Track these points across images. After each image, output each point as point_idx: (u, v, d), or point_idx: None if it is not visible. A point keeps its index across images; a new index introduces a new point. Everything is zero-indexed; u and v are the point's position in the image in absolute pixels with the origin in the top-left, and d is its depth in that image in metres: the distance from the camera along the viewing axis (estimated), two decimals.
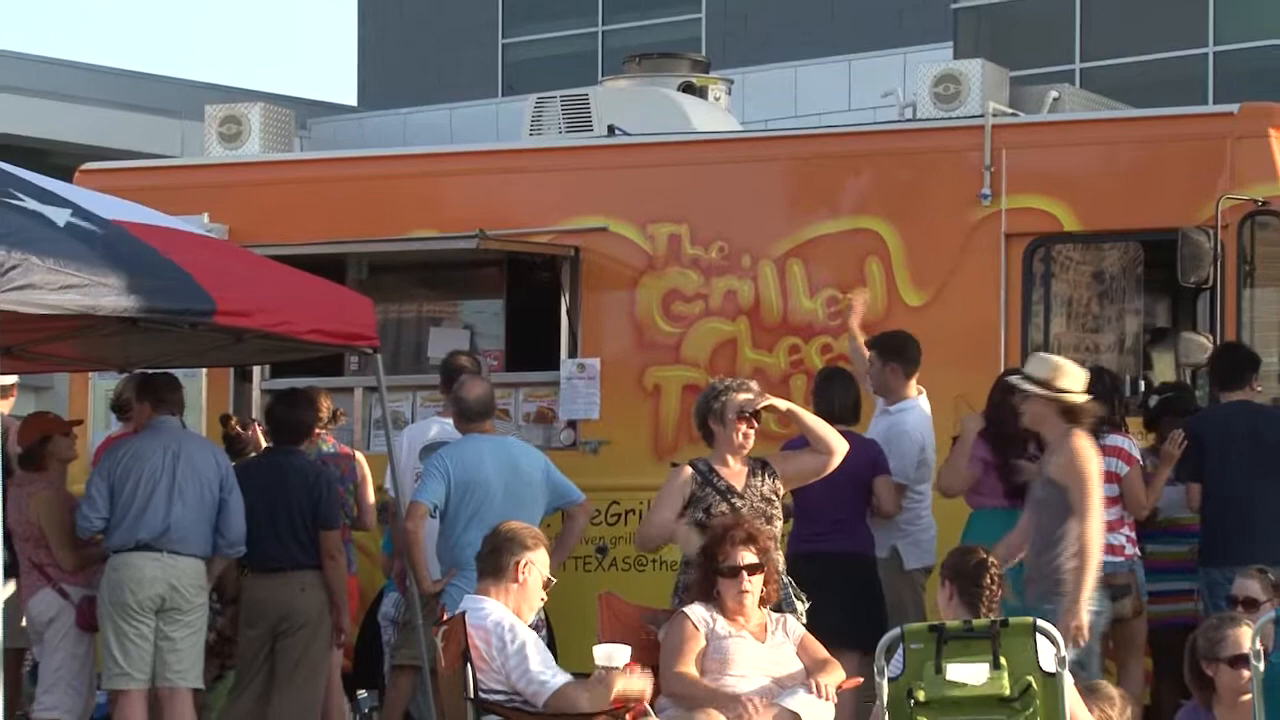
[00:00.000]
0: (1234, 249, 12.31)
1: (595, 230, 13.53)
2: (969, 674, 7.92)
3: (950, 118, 13.90)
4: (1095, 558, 9.51)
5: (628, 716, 8.36)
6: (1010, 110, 14.14)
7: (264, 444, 12.68)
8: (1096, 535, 9.54)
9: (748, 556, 8.88)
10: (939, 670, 7.97)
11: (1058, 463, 9.77)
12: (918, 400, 11.73)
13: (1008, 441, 11.20)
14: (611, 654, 8.13)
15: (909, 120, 14.53)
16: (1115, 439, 11.14)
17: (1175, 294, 13.36)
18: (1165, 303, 13.85)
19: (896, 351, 11.57)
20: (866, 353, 11.65)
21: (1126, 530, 11.18)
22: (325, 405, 12.06)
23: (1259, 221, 12.29)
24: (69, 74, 37.54)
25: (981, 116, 13.17)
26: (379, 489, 12.35)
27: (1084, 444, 9.58)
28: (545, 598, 8.88)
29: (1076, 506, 9.57)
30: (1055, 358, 10.49)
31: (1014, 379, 10.13)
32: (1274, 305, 13.19)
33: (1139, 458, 11.34)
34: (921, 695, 7.95)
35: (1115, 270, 13.38)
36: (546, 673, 8.21)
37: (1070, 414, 9.81)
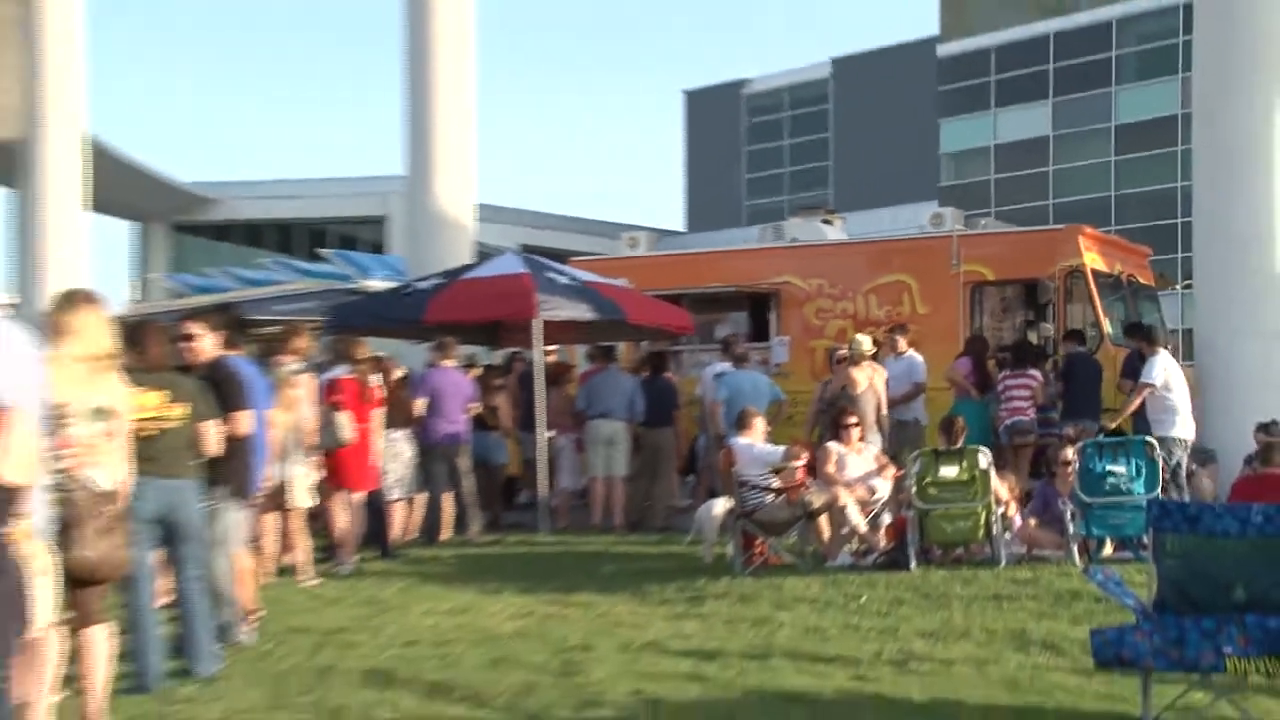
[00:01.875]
0: (1063, 287, 20.28)
1: (786, 282, 21.99)
2: (948, 471, 13.80)
3: (938, 232, 22.15)
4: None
5: (800, 485, 14.43)
6: (964, 229, 22.27)
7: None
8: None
9: (851, 419, 15.33)
10: (936, 469, 13.85)
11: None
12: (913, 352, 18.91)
13: (978, 365, 18.90)
14: (794, 454, 14.64)
15: (922, 231, 23.14)
16: (1032, 370, 18.32)
17: (1037, 307, 21.26)
18: (1032, 311, 21.52)
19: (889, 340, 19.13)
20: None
21: (1033, 410, 18.03)
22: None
23: (1072, 274, 20.16)
24: (555, 219, 52.71)
25: (950, 231, 21.79)
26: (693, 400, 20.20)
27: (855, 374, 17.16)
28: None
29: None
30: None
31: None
32: (1079, 310, 20.42)
33: (1040, 379, 18.26)
34: (928, 480, 13.77)
35: (1010, 297, 21.66)
36: (771, 456, 14.76)
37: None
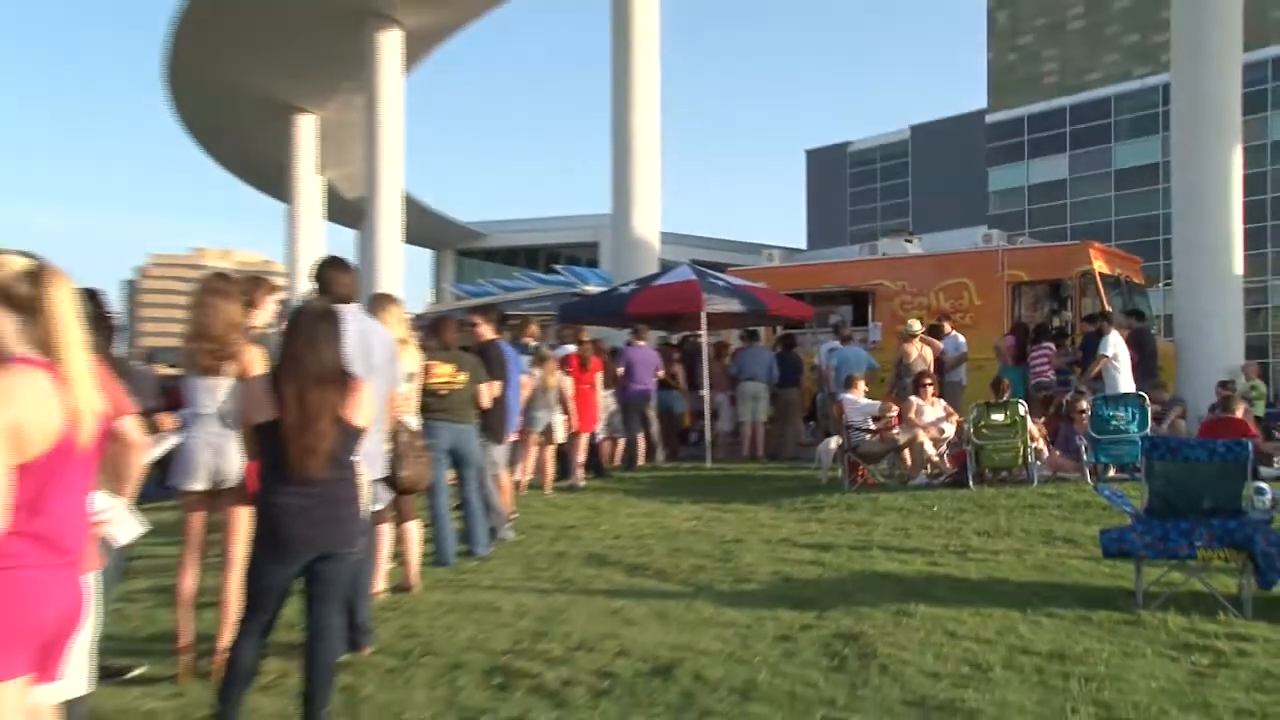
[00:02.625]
0: (1078, 286, 19.89)
1: (879, 284, 21.58)
2: (996, 417, 13.59)
3: (988, 247, 21.59)
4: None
5: (890, 427, 14.68)
6: (1007, 245, 21.83)
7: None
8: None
9: (927, 381, 15.25)
10: (988, 415, 13.64)
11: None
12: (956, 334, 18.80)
13: (1020, 342, 18.39)
14: (886, 407, 14.96)
15: (976, 247, 22.19)
16: (1048, 344, 17.90)
17: (1060, 300, 20.86)
18: (1056, 303, 20.99)
19: (935, 330, 18.57)
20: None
21: (1052, 372, 17.55)
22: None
23: (1085, 276, 19.61)
24: (715, 241, 52.26)
25: (997, 246, 21.44)
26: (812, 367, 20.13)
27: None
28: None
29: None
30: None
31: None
32: (1090, 302, 19.78)
33: (1054, 350, 17.80)
34: (981, 423, 13.58)
35: (1040, 293, 21.07)
36: (869, 408, 15.19)
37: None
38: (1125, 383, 15.71)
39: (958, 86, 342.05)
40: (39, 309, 3.18)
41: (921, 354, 17.45)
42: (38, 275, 3.21)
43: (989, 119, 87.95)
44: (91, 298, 5.95)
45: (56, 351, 3.18)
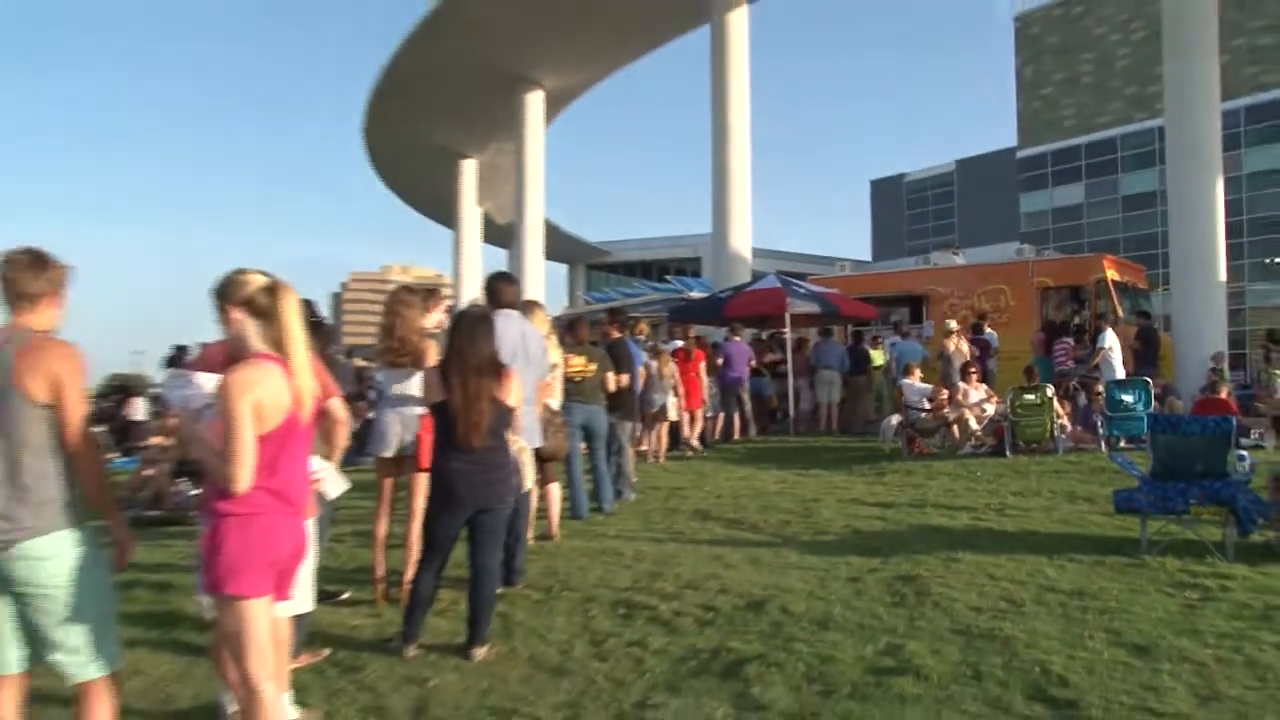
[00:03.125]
0: (1094, 291, 19.63)
1: (932, 289, 21.10)
2: (1028, 398, 13.40)
3: (1021, 259, 21.28)
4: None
5: (941, 407, 14.49)
6: (1036, 257, 21.60)
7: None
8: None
9: (972, 369, 14.83)
10: (1021, 397, 13.47)
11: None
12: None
13: (1049, 337, 18.10)
14: (938, 391, 14.97)
15: (1011, 259, 21.81)
16: (1067, 339, 17.74)
17: (1079, 302, 20.19)
18: (1076, 304, 20.30)
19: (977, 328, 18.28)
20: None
21: (1071, 361, 17.12)
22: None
23: (1100, 283, 19.52)
24: (796, 255, 49.66)
25: (1028, 259, 21.15)
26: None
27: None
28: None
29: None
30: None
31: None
32: (1104, 304, 19.25)
33: (1072, 344, 17.54)
34: (1016, 404, 13.40)
35: (1064, 296, 20.36)
36: (925, 391, 14.81)
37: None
38: (1119, 369, 15.68)
39: (993, 128, 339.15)
40: (273, 315, 3.33)
41: (959, 346, 17.26)
42: (273, 289, 3.36)
43: (1019, 154, 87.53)
44: (308, 306, 6.09)
45: (285, 348, 3.32)
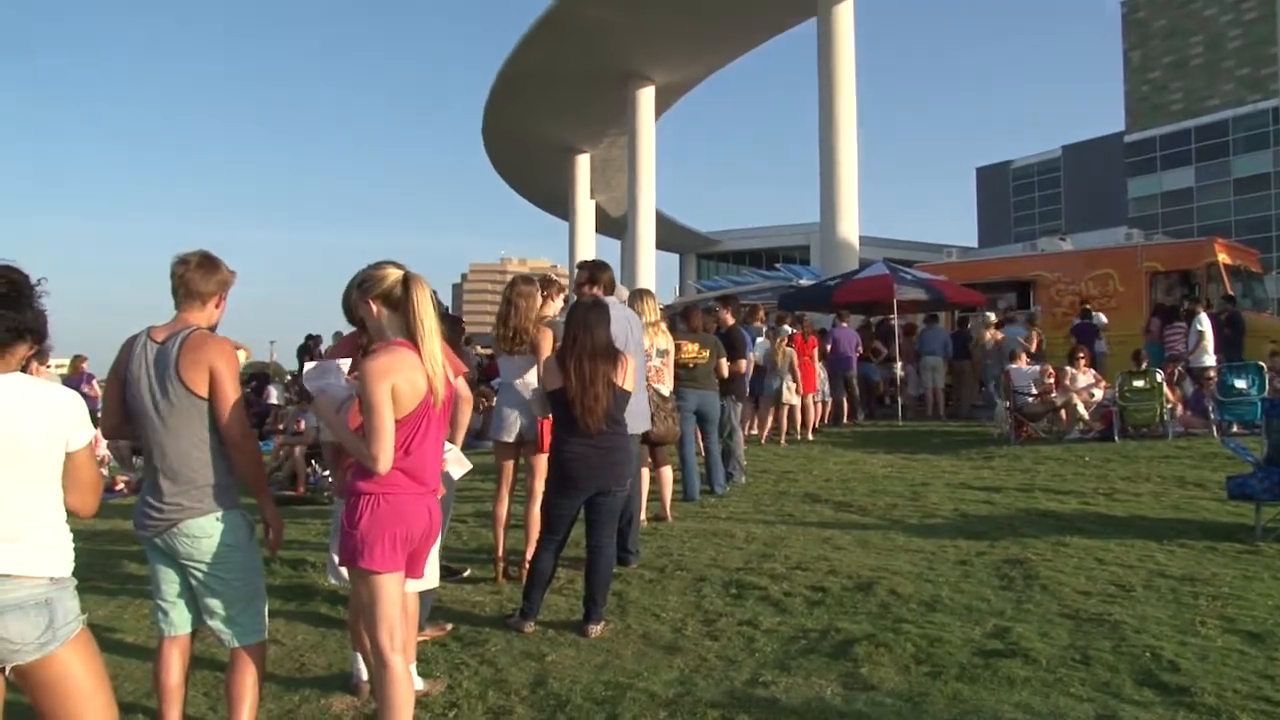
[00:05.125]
0: (1205, 275, 18.80)
1: (1039, 275, 20.51)
2: (1138, 383, 13.08)
3: (1130, 244, 20.78)
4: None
5: (1048, 391, 14.67)
6: (1145, 241, 21.09)
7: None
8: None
9: (1080, 353, 14.42)
10: (1131, 382, 13.13)
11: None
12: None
13: (1162, 322, 16.68)
14: (1046, 374, 16.40)
15: (1119, 244, 21.32)
16: (1180, 324, 16.02)
17: (1190, 286, 18.84)
18: (1186, 289, 18.89)
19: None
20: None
21: (1182, 345, 15.63)
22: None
23: (1210, 267, 18.80)
24: (903, 243, 48.45)
25: (1137, 243, 20.63)
26: None
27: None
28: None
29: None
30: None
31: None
32: (1215, 288, 18.41)
33: (1184, 328, 15.79)
34: (1126, 388, 13.04)
35: (1173, 280, 19.37)
36: (1032, 375, 16.50)
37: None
38: (1210, 358, 15.03)
39: (1096, 114, 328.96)
40: (407, 306, 3.42)
41: (994, 336, 17.40)
42: (408, 283, 3.45)
43: (1127, 139, 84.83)
44: (437, 296, 6.20)
45: (419, 337, 3.40)
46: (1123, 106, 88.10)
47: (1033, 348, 16.38)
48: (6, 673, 2.65)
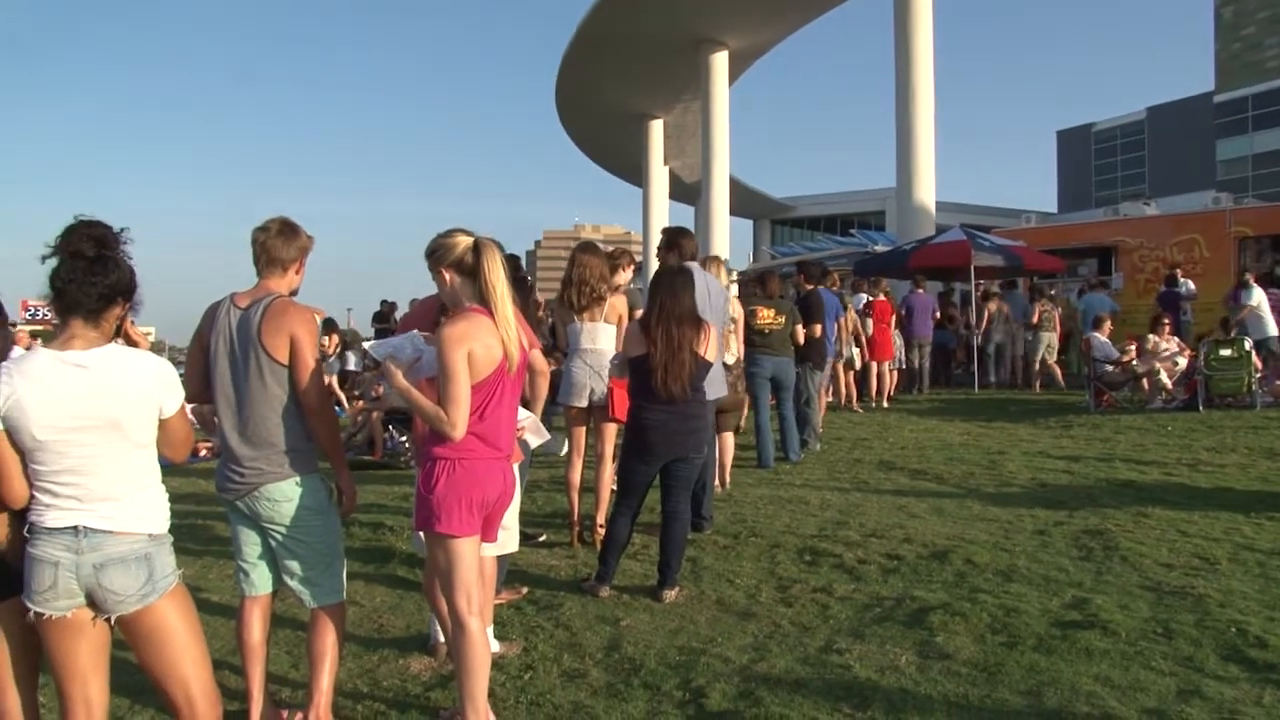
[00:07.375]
0: None
1: (1121, 240, 19.82)
2: (1225, 352, 13.20)
3: (1218, 208, 19.99)
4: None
5: (1130, 360, 14.68)
6: (1234, 205, 20.04)
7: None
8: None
9: (1164, 321, 14.22)
10: (1217, 351, 12.98)
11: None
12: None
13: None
14: (1126, 343, 16.72)
15: (1206, 208, 20.56)
16: (1275, 289, 15.60)
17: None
18: (1278, 254, 18.39)
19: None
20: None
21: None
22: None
23: None
24: (981, 208, 45.86)
25: (1225, 207, 19.78)
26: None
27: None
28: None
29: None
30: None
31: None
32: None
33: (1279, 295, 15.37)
34: (1212, 357, 12.84)
35: (1264, 246, 18.59)
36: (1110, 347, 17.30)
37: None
38: (1271, 327, 14.51)
39: (1181, 75, 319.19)
40: (480, 272, 3.43)
41: (1001, 308, 17.59)
42: (479, 248, 3.46)
43: (1217, 99, 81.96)
44: (514, 262, 6.24)
45: (492, 302, 3.42)
46: (1212, 66, 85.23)
47: (1034, 319, 16.72)
48: (112, 622, 2.79)
